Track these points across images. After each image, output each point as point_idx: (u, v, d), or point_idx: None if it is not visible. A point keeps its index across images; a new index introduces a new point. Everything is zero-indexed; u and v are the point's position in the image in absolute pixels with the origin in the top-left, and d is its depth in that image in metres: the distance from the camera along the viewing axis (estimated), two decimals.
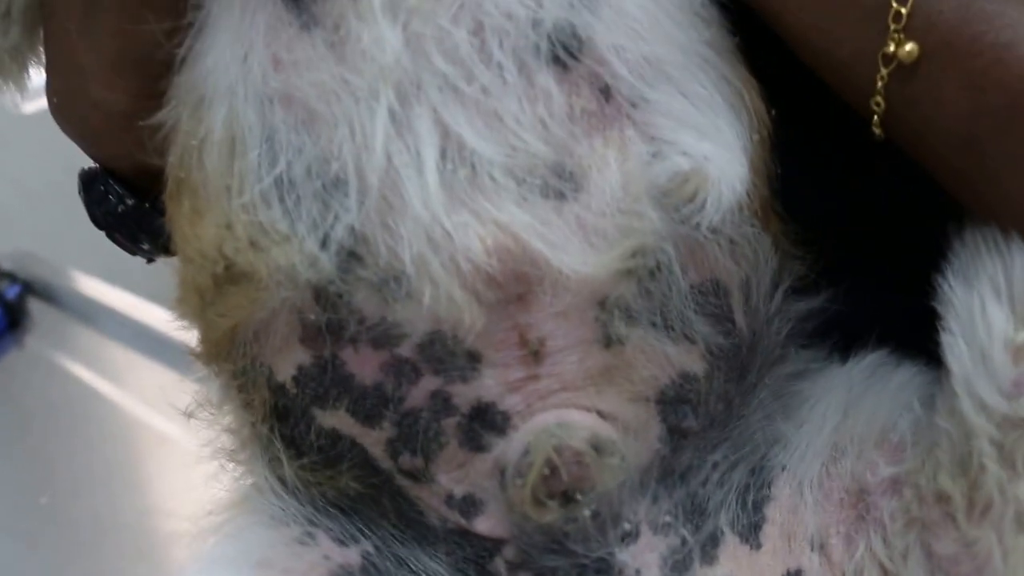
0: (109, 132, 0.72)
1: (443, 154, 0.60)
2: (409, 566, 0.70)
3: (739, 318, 0.68)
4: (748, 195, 0.65)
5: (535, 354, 0.64)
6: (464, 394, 0.64)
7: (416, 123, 0.60)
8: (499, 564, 0.69)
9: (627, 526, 0.68)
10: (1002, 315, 0.62)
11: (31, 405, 2.16)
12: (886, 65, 0.60)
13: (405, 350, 0.63)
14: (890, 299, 0.72)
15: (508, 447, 0.65)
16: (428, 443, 0.65)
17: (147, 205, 0.77)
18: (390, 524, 0.70)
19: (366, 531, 0.70)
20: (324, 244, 0.61)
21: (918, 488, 0.66)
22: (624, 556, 0.68)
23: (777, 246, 0.70)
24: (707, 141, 0.63)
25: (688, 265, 0.65)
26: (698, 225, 0.63)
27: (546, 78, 0.61)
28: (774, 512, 0.71)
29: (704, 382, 0.68)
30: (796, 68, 0.66)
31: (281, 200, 0.62)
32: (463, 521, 0.68)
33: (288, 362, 0.66)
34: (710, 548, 0.69)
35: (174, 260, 0.73)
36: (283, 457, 0.69)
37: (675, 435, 0.68)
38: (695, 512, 0.70)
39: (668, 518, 0.69)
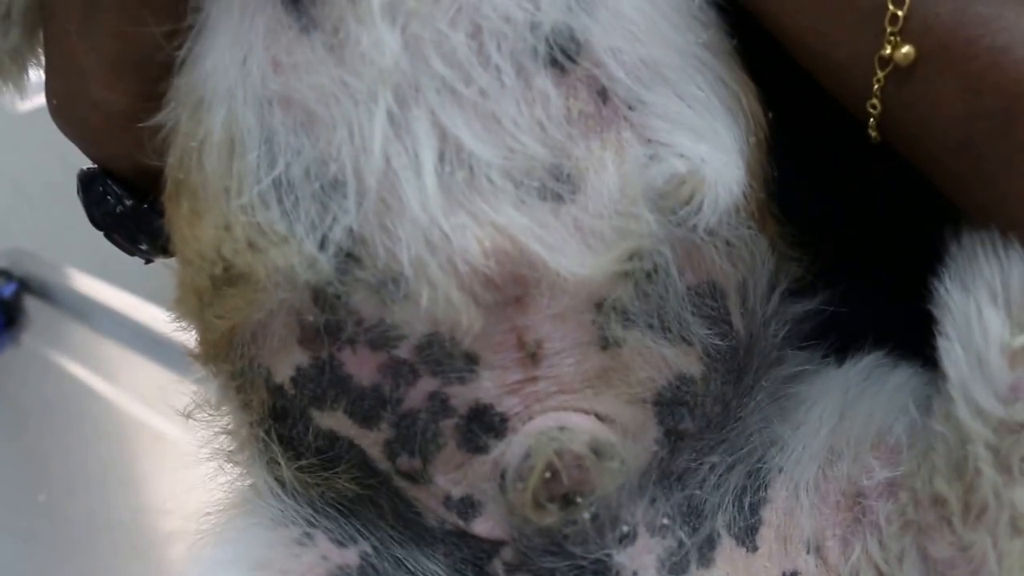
0: (109, 133, 0.72)
1: (441, 156, 0.60)
2: (407, 567, 0.70)
3: (736, 320, 0.68)
4: (745, 197, 0.65)
5: (533, 356, 0.64)
6: (462, 396, 0.64)
7: (414, 125, 0.60)
8: (497, 565, 0.69)
9: (625, 528, 0.68)
10: (998, 320, 0.62)
11: (27, 403, 2.16)
12: (882, 68, 0.61)
13: (403, 351, 0.63)
14: (886, 302, 0.72)
15: (508, 450, 0.66)
16: (426, 444, 0.66)
17: (146, 206, 0.77)
18: (388, 525, 0.71)
19: (364, 532, 0.70)
20: (322, 245, 0.61)
21: (914, 491, 0.66)
22: (622, 558, 0.68)
23: (774, 248, 0.70)
24: (704, 143, 0.63)
25: (685, 267, 0.65)
26: (695, 227, 0.63)
27: (544, 81, 0.61)
28: (770, 515, 0.71)
29: (701, 384, 0.68)
30: (793, 71, 0.66)
31: (280, 201, 0.62)
32: (461, 522, 0.68)
33: (286, 363, 0.66)
34: (707, 550, 0.70)
35: (172, 260, 0.73)
36: (281, 459, 0.70)
37: (672, 437, 0.68)
38: (692, 514, 0.70)
39: (665, 520, 0.69)
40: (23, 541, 1.78)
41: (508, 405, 0.65)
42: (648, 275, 0.63)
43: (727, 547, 0.70)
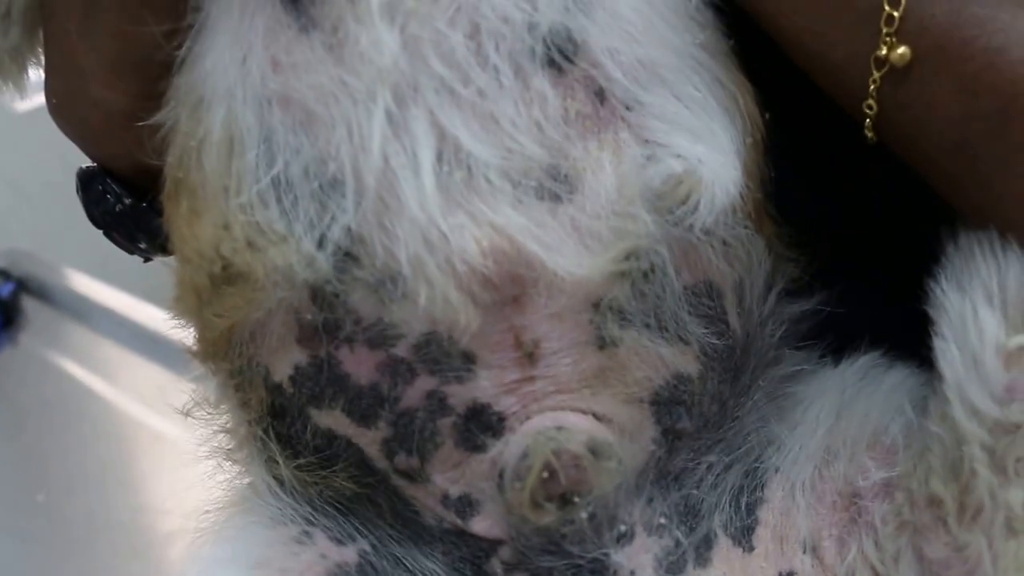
0: (108, 132, 0.73)
1: (439, 156, 0.60)
2: (406, 565, 0.70)
3: (733, 319, 0.68)
4: (741, 197, 0.65)
5: (530, 356, 0.64)
6: (459, 395, 0.65)
7: (413, 125, 0.60)
8: (495, 564, 0.70)
9: (622, 527, 0.69)
10: (994, 321, 0.62)
11: (26, 403, 2.16)
12: (878, 68, 0.61)
13: (401, 350, 0.64)
14: (883, 302, 0.72)
15: (506, 450, 0.66)
16: (423, 443, 0.66)
17: (145, 205, 0.77)
18: (387, 524, 0.71)
19: (363, 530, 0.71)
20: (321, 244, 0.61)
21: (910, 492, 0.66)
22: (619, 557, 0.69)
23: (770, 248, 0.70)
24: (701, 144, 0.64)
25: (682, 267, 0.65)
26: (691, 227, 0.63)
27: (541, 81, 0.61)
28: (767, 515, 0.71)
29: (698, 383, 0.68)
30: (790, 72, 0.67)
31: (278, 200, 0.62)
32: (459, 521, 0.69)
33: (285, 362, 0.66)
34: (703, 550, 0.70)
35: (170, 260, 0.73)
36: (279, 457, 0.70)
37: (670, 436, 0.69)
38: (689, 514, 0.70)
39: (662, 520, 0.70)
40: (22, 541, 1.78)
41: (506, 404, 0.65)
42: (645, 275, 0.63)
43: (724, 547, 0.70)
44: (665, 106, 0.64)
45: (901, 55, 0.60)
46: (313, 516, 0.71)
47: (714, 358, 0.68)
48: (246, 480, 0.73)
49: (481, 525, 0.68)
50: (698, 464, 0.70)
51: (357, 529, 0.71)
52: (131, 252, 0.81)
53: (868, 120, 0.63)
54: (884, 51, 0.60)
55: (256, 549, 0.70)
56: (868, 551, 0.68)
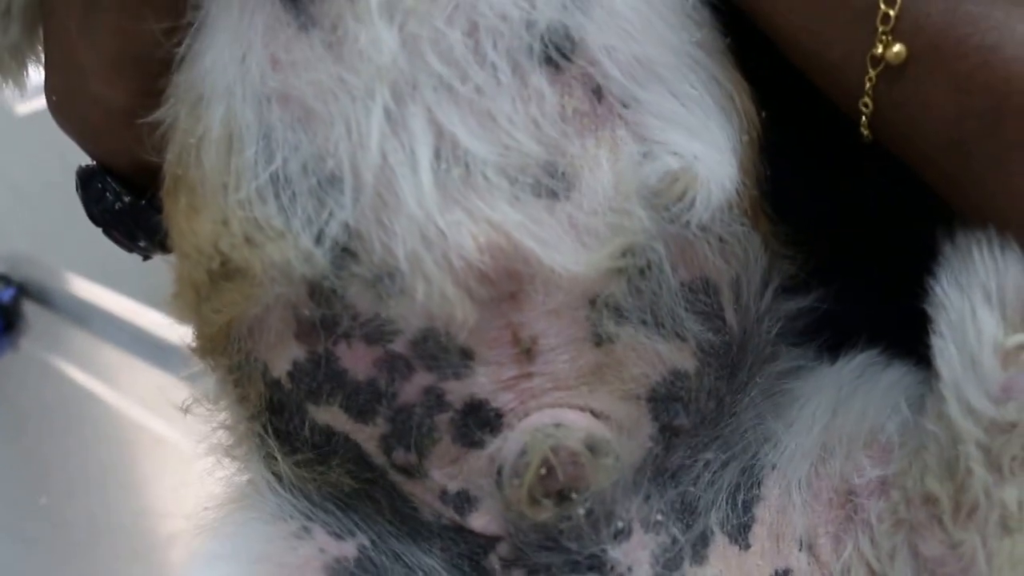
0: (108, 129, 0.73)
1: (437, 153, 0.61)
2: (405, 561, 0.70)
3: (729, 316, 0.69)
4: (738, 194, 0.66)
5: (527, 352, 0.64)
6: (457, 391, 0.65)
7: (411, 122, 0.61)
8: (493, 560, 0.70)
9: (620, 524, 0.69)
10: (992, 320, 0.63)
11: (27, 407, 2.17)
12: (874, 67, 0.61)
13: (398, 346, 0.64)
14: (879, 301, 0.72)
15: (504, 446, 0.66)
16: (421, 439, 0.66)
17: (144, 202, 0.77)
18: (386, 520, 0.71)
19: (362, 526, 0.71)
20: (319, 240, 0.61)
21: (905, 490, 0.67)
22: (616, 553, 0.69)
23: (767, 246, 0.70)
24: (697, 141, 0.64)
25: (678, 263, 0.65)
26: (688, 224, 0.64)
27: (539, 79, 0.62)
28: (763, 512, 0.71)
29: (695, 379, 0.68)
30: (787, 71, 0.67)
31: (277, 197, 0.62)
32: (457, 517, 0.69)
33: (283, 358, 0.67)
34: (700, 547, 0.70)
35: (169, 262, 0.73)
36: (277, 453, 0.70)
37: (667, 433, 0.69)
38: (685, 511, 0.70)
39: (659, 517, 0.70)
40: (24, 544, 1.79)
41: (503, 401, 0.65)
42: (641, 271, 0.64)
43: (720, 544, 0.70)
44: (662, 104, 0.64)
45: (897, 53, 0.60)
46: (312, 511, 0.71)
47: (711, 354, 0.68)
48: (245, 476, 0.74)
49: (479, 521, 0.69)
50: (695, 461, 0.71)
51: (356, 524, 0.71)
52: (130, 250, 0.82)
53: (864, 118, 0.64)
54: (880, 49, 0.60)
55: (256, 545, 0.70)
56: (864, 548, 0.68)
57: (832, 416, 0.72)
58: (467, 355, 0.64)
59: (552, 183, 0.62)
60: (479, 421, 0.66)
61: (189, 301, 0.69)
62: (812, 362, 0.75)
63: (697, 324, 0.67)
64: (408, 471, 0.68)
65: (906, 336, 0.69)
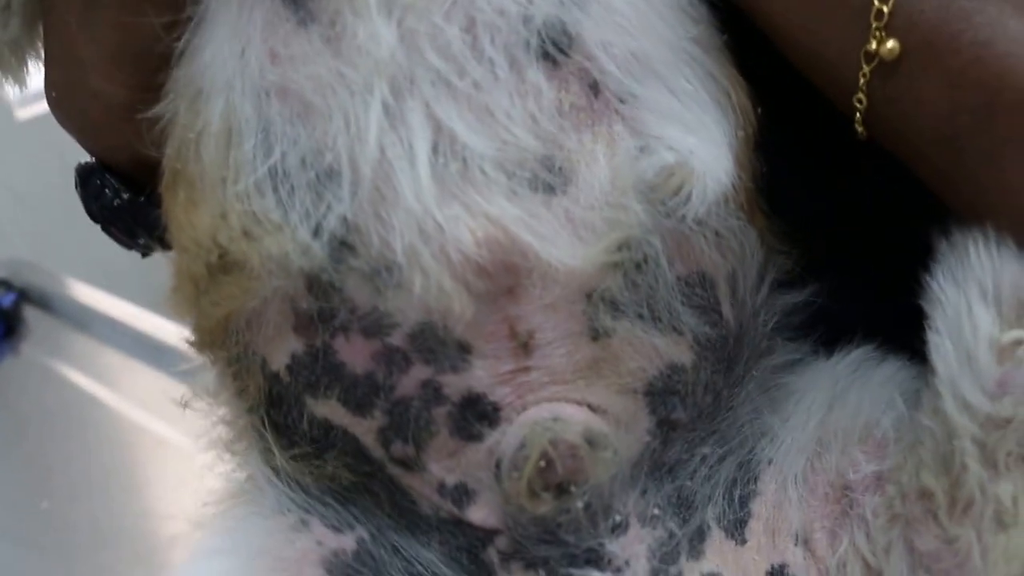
0: (108, 124, 0.73)
1: (435, 147, 0.61)
2: (403, 555, 0.71)
3: (726, 310, 0.69)
4: (733, 188, 0.66)
5: (524, 346, 0.64)
6: (454, 384, 0.65)
7: (409, 116, 0.61)
8: (492, 553, 0.70)
9: (617, 518, 0.69)
10: (988, 316, 0.63)
11: (28, 411, 2.17)
12: (868, 62, 0.61)
13: (396, 339, 0.64)
14: (875, 299, 0.73)
15: (502, 439, 0.66)
16: (419, 432, 0.66)
17: (143, 199, 0.77)
18: (384, 513, 0.71)
19: (361, 519, 0.71)
20: (316, 233, 0.62)
21: (901, 485, 0.67)
22: (614, 547, 0.69)
23: (762, 240, 0.70)
24: (693, 136, 0.64)
25: (675, 257, 0.65)
26: (684, 218, 0.64)
27: (536, 74, 0.62)
28: (760, 507, 0.71)
29: (692, 373, 0.68)
30: (785, 69, 0.67)
31: (275, 190, 0.62)
32: (455, 510, 0.69)
33: (282, 351, 0.67)
34: (697, 542, 0.70)
35: (168, 263, 0.73)
36: (275, 447, 0.70)
37: (664, 427, 0.69)
38: (682, 506, 0.70)
39: (656, 511, 0.70)
40: (26, 548, 1.79)
41: (501, 395, 0.65)
42: (638, 265, 0.64)
43: (716, 539, 0.70)
44: (658, 99, 0.64)
45: (890, 49, 0.60)
46: (310, 504, 0.71)
47: (708, 348, 0.68)
48: (245, 471, 0.74)
49: (478, 514, 0.69)
50: (692, 456, 0.71)
51: (355, 517, 0.71)
52: (129, 247, 0.82)
53: (858, 114, 0.64)
54: (874, 45, 0.61)
55: (254, 539, 0.70)
56: (859, 543, 0.68)
57: (828, 411, 0.72)
58: (464, 349, 0.64)
59: (549, 178, 0.62)
60: (477, 414, 0.66)
61: (188, 295, 0.69)
62: (808, 356, 0.76)
63: (693, 318, 0.67)
64: (406, 464, 0.68)
65: (902, 332, 0.69)
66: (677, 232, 0.65)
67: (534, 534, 0.68)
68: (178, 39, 0.66)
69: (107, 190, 0.78)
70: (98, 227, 0.82)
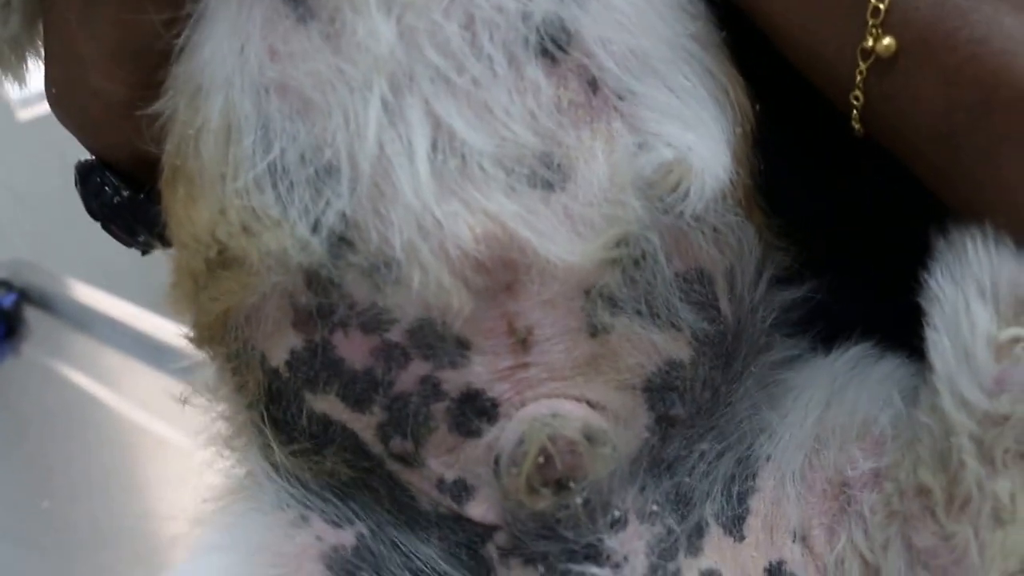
0: (108, 122, 0.73)
1: (434, 144, 0.61)
2: (403, 550, 0.71)
3: (724, 306, 0.69)
4: (732, 184, 0.66)
5: (523, 342, 0.65)
6: (453, 380, 0.65)
7: (408, 113, 0.61)
8: (491, 549, 0.70)
9: (616, 513, 0.69)
10: (986, 314, 0.63)
11: (29, 412, 2.16)
12: (864, 59, 0.62)
13: (395, 335, 0.64)
14: (874, 298, 0.73)
15: (501, 435, 0.66)
16: (418, 427, 0.66)
17: (143, 196, 0.77)
18: (384, 509, 0.71)
19: (361, 514, 0.71)
20: (315, 229, 0.62)
21: (898, 482, 0.67)
22: (612, 543, 0.69)
23: (761, 236, 0.71)
24: (691, 132, 0.64)
25: (673, 254, 0.65)
26: (682, 214, 0.64)
27: (535, 70, 0.62)
28: (758, 504, 0.71)
29: (690, 369, 0.68)
30: (784, 68, 0.67)
31: (274, 186, 0.62)
32: (455, 506, 0.69)
33: (281, 346, 0.67)
34: (695, 538, 0.70)
35: (167, 264, 0.73)
36: (274, 443, 0.70)
37: (663, 423, 0.69)
38: (680, 502, 0.71)
39: (655, 507, 0.70)
40: (27, 548, 1.78)
41: (499, 391, 0.66)
42: (636, 262, 0.64)
43: (715, 536, 0.71)
44: (657, 96, 0.64)
45: (887, 46, 0.61)
46: (309, 500, 0.71)
47: (706, 344, 0.68)
48: (244, 467, 0.74)
49: (477, 510, 0.69)
50: (691, 452, 0.71)
51: (354, 513, 0.71)
52: (129, 245, 0.82)
53: (855, 112, 0.64)
54: (870, 42, 0.61)
55: (255, 535, 0.70)
56: (857, 540, 0.68)
57: (826, 408, 0.72)
58: (463, 344, 0.64)
59: (548, 174, 0.62)
60: (476, 410, 0.66)
61: (187, 291, 0.70)
62: (806, 353, 0.76)
63: (692, 314, 0.67)
64: (405, 460, 0.68)
65: (900, 329, 0.69)
66: (675, 228, 0.65)
67: (533, 530, 0.69)
68: (178, 36, 0.66)
69: (107, 187, 0.78)
70: (99, 227, 0.82)
